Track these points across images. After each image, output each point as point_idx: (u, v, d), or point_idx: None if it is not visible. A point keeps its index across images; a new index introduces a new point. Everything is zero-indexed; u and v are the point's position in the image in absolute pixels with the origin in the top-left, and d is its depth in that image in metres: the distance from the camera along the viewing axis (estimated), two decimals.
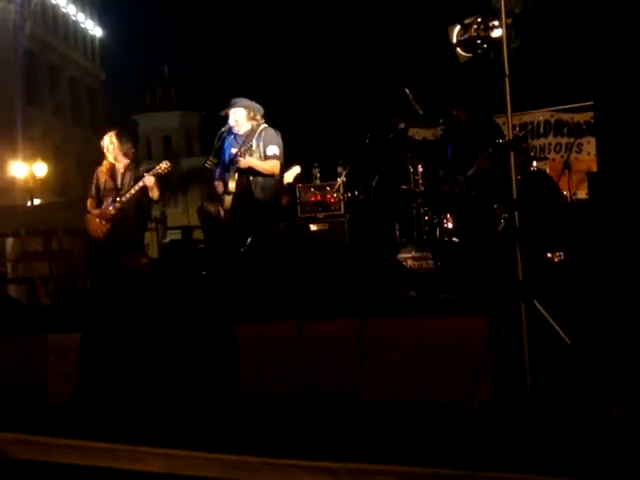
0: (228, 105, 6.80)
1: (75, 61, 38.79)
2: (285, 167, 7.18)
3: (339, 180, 8.42)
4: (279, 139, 6.75)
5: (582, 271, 5.76)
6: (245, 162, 6.54)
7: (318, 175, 8.82)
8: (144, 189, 7.04)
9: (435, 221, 7.87)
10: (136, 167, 7.31)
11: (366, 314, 4.98)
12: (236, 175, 6.62)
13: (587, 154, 9.91)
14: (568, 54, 10.47)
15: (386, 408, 4.56)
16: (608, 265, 5.24)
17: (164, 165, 7.11)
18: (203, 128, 46.56)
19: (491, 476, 3.30)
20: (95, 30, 41.24)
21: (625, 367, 4.27)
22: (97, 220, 7.18)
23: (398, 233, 8.40)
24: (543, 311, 4.31)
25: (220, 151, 6.89)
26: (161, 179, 7.14)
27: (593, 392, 4.10)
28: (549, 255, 7.08)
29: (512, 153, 4.67)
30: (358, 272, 6.33)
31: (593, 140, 9.35)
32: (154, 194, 7.11)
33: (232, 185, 6.61)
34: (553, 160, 9.87)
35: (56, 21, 36.96)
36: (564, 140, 10.34)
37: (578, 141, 9.88)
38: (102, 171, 7.33)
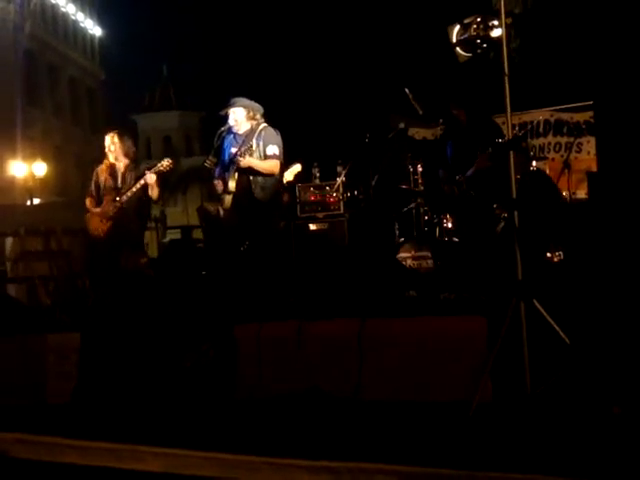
0: (228, 105, 6.80)
1: (75, 61, 38.78)
2: (285, 166, 7.19)
3: (339, 180, 8.42)
4: (279, 139, 6.75)
5: (582, 271, 5.76)
6: (245, 162, 6.54)
7: (318, 175, 8.82)
8: (145, 187, 7.04)
9: (435, 221, 7.87)
10: (136, 167, 7.31)
11: (366, 314, 4.98)
12: (236, 175, 6.62)
13: (587, 154, 9.91)
14: (568, 54, 10.47)
15: (386, 408, 4.56)
16: (608, 265, 5.24)
17: (166, 163, 7.10)
18: (203, 128, 46.56)
19: (491, 476, 3.30)
20: (95, 30, 41.23)
21: (625, 367, 4.27)
22: (97, 219, 7.17)
23: (398, 233, 8.39)
24: (543, 311, 4.31)
25: (219, 151, 6.89)
26: (162, 178, 7.14)
27: (593, 392, 4.10)
28: (548, 255, 7.08)
29: (512, 153, 4.67)
30: (358, 272, 6.33)
31: (593, 139, 9.36)
32: (154, 193, 7.11)
33: (232, 185, 6.61)
34: (553, 160, 9.86)
35: (55, 21, 36.95)
36: (564, 140, 10.34)
37: (578, 140, 9.88)
38: (102, 169, 7.33)
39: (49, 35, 35.47)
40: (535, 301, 4.32)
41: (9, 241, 9.68)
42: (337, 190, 8.44)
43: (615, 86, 5.36)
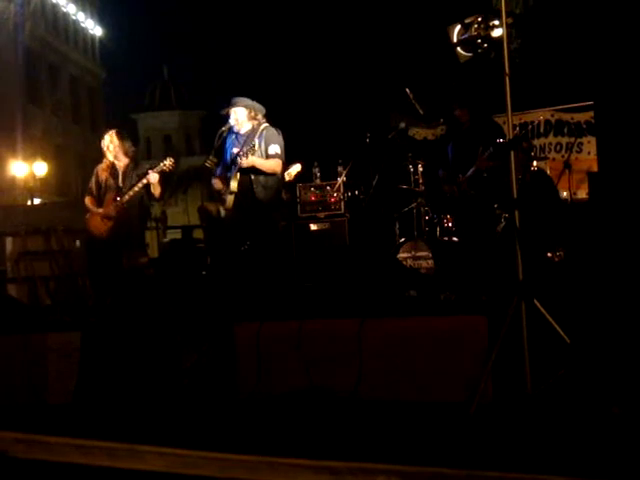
0: (229, 104, 6.80)
1: (75, 60, 38.79)
2: (286, 166, 7.19)
3: (339, 180, 8.43)
4: (280, 138, 6.76)
5: (582, 270, 5.77)
6: (248, 161, 6.53)
7: (318, 174, 8.82)
8: (147, 187, 7.04)
9: (435, 221, 7.88)
10: (136, 166, 7.30)
11: (366, 313, 4.98)
12: (238, 174, 6.62)
13: (587, 154, 9.91)
14: (569, 54, 10.47)
15: (386, 408, 4.56)
16: (608, 264, 5.24)
17: (168, 162, 7.08)
18: (203, 127, 46.60)
19: (491, 476, 3.30)
20: (95, 30, 41.23)
21: (625, 367, 4.28)
22: (98, 218, 7.16)
23: (398, 233, 8.40)
24: (543, 310, 4.31)
25: (220, 150, 6.89)
26: (165, 176, 7.13)
27: (593, 392, 4.10)
28: (549, 254, 7.08)
29: (512, 152, 4.67)
30: (358, 271, 6.34)
31: (593, 140, 9.36)
32: (157, 192, 7.10)
33: (234, 185, 6.61)
34: (553, 160, 9.88)
35: (56, 20, 36.94)
36: (564, 140, 10.34)
37: (578, 141, 9.89)
38: (102, 169, 7.32)
39: (50, 35, 35.48)
40: (536, 301, 4.32)
41: (9, 241, 9.67)
42: (338, 190, 8.45)
43: (615, 86, 5.37)
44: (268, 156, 6.66)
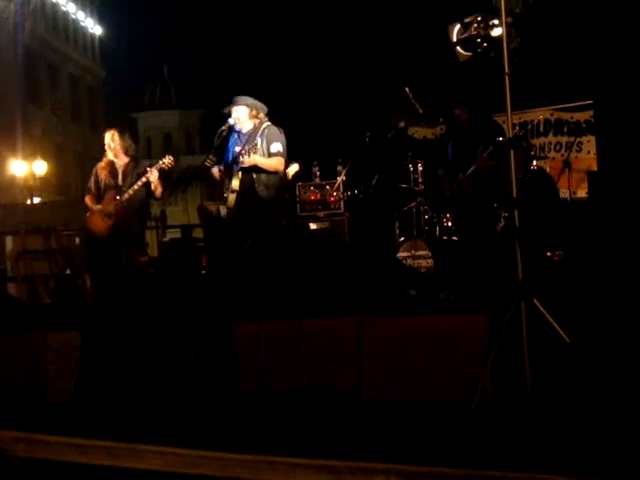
0: (230, 103, 6.80)
1: (75, 59, 38.80)
2: (286, 165, 7.19)
3: (339, 179, 8.42)
4: (282, 137, 6.77)
5: (582, 270, 5.77)
6: (250, 160, 6.53)
7: (318, 174, 8.81)
8: (147, 185, 7.03)
9: (435, 220, 7.88)
10: (137, 165, 7.30)
11: (366, 313, 4.98)
12: (240, 173, 6.62)
13: (587, 153, 9.91)
14: (568, 53, 10.47)
15: (386, 407, 4.56)
16: (608, 264, 5.24)
17: (167, 160, 7.08)
18: (203, 126, 46.61)
19: (491, 475, 3.30)
20: (95, 29, 41.23)
21: (625, 366, 4.28)
22: (99, 217, 7.16)
23: (398, 232, 8.40)
24: (543, 310, 4.31)
25: (221, 149, 6.90)
26: (164, 175, 7.13)
27: (593, 391, 4.10)
28: (549, 254, 7.08)
29: (512, 152, 4.67)
30: (358, 271, 6.33)
31: (593, 139, 9.36)
32: (157, 190, 7.10)
33: (236, 183, 6.61)
34: (553, 159, 9.88)
35: (56, 20, 36.95)
36: (564, 139, 10.33)
37: (578, 140, 9.88)
38: (102, 167, 7.32)
39: (49, 34, 35.47)
40: (535, 300, 4.32)
41: (9, 240, 9.68)
42: (337, 189, 8.43)
43: (615, 85, 5.37)
44: (270, 154, 6.66)
